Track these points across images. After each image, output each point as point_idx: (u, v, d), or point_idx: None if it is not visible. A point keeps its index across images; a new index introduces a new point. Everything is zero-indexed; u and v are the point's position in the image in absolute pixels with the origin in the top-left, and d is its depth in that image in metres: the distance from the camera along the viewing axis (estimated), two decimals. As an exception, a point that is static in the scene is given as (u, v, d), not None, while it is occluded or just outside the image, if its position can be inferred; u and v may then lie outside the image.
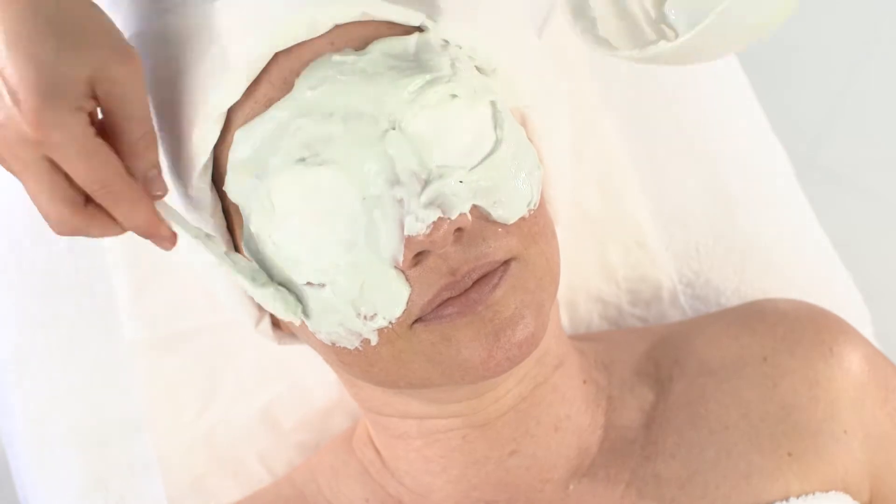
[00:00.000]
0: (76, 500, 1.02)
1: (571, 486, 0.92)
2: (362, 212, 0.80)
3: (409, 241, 0.79)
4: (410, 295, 0.81)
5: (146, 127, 0.79)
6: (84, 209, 0.79)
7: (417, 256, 0.80)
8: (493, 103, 0.84)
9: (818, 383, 0.94)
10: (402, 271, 0.81)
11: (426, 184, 0.80)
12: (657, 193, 1.10)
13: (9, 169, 0.78)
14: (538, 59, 0.94)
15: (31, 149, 0.76)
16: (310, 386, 1.09)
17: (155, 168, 0.80)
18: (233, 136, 0.83)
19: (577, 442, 0.93)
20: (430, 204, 0.79)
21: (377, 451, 0.96)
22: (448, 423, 0.91)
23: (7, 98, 0.75)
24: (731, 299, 1.09)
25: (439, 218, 0.79)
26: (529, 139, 0.88)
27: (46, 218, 0.79)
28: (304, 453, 1.08)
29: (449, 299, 0.81)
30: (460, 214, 0.80)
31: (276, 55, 0.83)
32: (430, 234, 0.79)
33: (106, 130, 0.79)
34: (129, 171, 0.79)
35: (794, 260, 1.11)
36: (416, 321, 0.82)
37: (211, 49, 0.83)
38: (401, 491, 0.94)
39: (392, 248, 0.80)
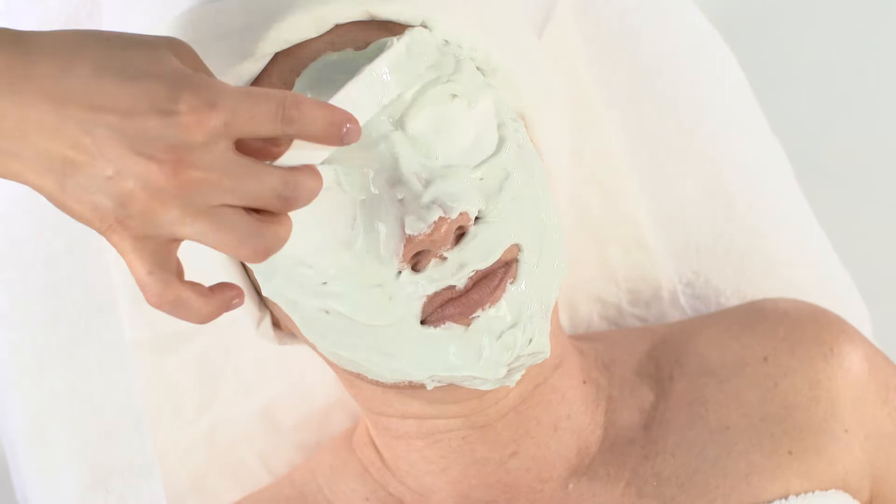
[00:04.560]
0: (76, 500, 1.02)
1: (571, 486, 0.92)
2: (362, 211, 0.80)
3: (409, 240, 0.79)
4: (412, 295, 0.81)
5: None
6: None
7: (417, 256, 0.80)
8: (493, 103, 0.84)
9: (819, 383, 0.94)
10: (403, 271, 0.80)
11: (427, 183, 0.79)
12: (657, 193, 1.10)
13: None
14: (538, 59, 0.94)
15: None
16: (310, 386, 1.09)
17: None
18: (233, 135, 0.83)
19: (576, 442, 0.93)
20: (431, 203, 0.79)
21: (377, 451, 0.96)
22: (448, 424, 0.91)
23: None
24: (731, 299, 1.09)
25: (440, 217, 0.79)
26: (529, 139, 0.88)
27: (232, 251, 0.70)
28: (304, 453, 1.08)
29: (450, 300, 0.81)
30: (461, 214, 0.80)
31: (276, 55, 0.83)
32: (430, 234, 0.79)
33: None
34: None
35: (794, 260, 1.10)
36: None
37: (211, 50, 0.83)
38: (402, 491, 0.94)
39: (392, 247, 0.80)
